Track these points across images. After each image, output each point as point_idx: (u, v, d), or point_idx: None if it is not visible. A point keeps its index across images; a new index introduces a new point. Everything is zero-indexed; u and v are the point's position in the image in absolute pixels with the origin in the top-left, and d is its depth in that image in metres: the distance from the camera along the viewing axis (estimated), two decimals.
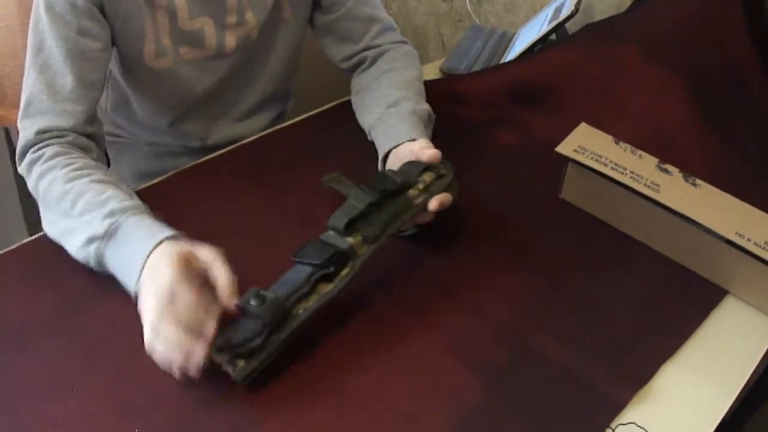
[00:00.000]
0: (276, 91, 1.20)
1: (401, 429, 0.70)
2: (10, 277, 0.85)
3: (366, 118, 1.07)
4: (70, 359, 0.75)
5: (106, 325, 0.78)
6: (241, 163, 1.05)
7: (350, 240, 0.79)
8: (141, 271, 0.75)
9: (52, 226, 0.86)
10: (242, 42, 1.06)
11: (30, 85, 0.90)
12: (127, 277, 0.77)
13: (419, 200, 0.85)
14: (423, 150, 0.90)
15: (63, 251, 0.84)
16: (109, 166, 1.21)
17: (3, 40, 1.15)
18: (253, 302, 0.72)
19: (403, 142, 0.96)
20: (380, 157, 0.99)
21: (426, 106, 1.06)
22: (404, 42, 1.18)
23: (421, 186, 0.86)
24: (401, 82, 1.08)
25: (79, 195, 0.83)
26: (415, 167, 0.87)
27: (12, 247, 0.89)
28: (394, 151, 0.96)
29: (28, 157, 0.89)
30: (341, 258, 0.78)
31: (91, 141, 0.94)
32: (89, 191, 0.83)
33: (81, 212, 0.82)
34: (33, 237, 0.91)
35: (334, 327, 0.80)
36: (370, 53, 1.14)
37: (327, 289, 0.76)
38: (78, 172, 0.86)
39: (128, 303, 0.80)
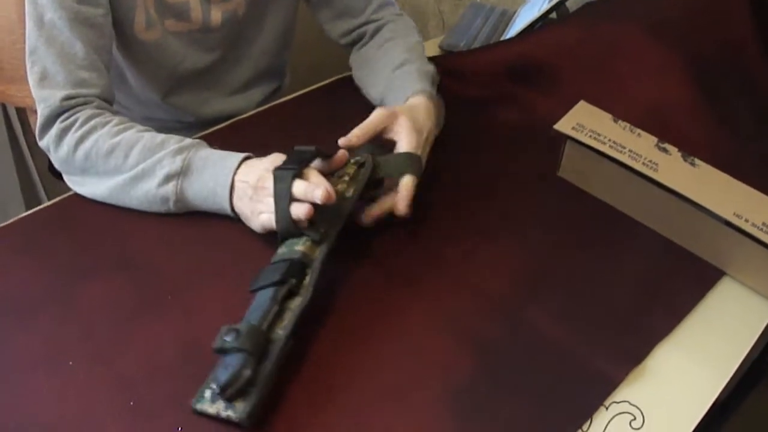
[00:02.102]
0: (269, 66, 1.19)
1: (393, 404, 0.70)
2: (6, 251, 0.84)
3: (374, 88, 1.06)
4: (65, 333, 0.75)
5: (102, 300, 0.78)
6: (236, 139, 1.05)
7: (300, 248, 0.77)
8: (231, 186, 0.83)
9: (99, 187, 0.88)
10: (229, 17, 1.05)
11: (40, 58, 0.88)
12: (216, 196, 0.84)
13: (350, 192, 0.84)
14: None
15: (58, 226, 0.84)
16: None
17: None
18: (227, 338, 0.67)
19: (415, 93, 0.96)
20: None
21: (431, 67, 1.06)
22: (401, 15, 1.17)
23: (346, 178, 0.85)
24: (404, 47, 1.07)
25: (131, 145, 0.86)
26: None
27: (9, 221, 0.89)
28: (410, 102, 0.96)
29: (57, 127, 0.88)
30: (298, 267, 0.76)
31: (112, 107, 0.94)
32: (141, 140, 0.86)
33: (138, 160, 0.85)
34: (30, 211, 0.91)
35: (326, 302, 0.80)
36: (370, 27, 1.13)
37: (297, 302, 0.74)
38: (121, 126, 0.88)
39: (124, 278, 0.81)
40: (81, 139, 0.86)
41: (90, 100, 0.90)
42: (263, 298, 0.73)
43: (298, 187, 0.78)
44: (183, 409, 0.68)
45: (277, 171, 0.80)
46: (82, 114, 0.88)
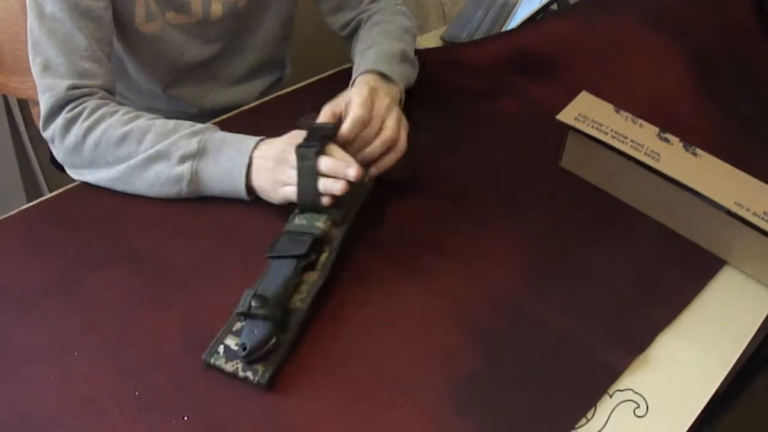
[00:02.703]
0: (270, 58, 1.19)
1: (398, 394, 0.70)
2: (9, 243, 0.85)
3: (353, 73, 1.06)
4: (69, 324, 0.75)
5: (106, 291, 0.78)
6: (238, 130, 1.05)
7: (320, 225, 0.80)
8: (248, 166, 0.83)
9: (110, 171, 0.88)
10: (229, 10, 1.06)
11: (43, 50, 0.88)
12: (232, 178, 0.84)
13: (367, 178, 0.86)
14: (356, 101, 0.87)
15: (61, 217, 0.84)
16: None
17: (0, 7, 1.14)
18: (254, 303, 0.71)
19: (366, 71, 0.96)
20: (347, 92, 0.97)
21: (398, 46, 1.03)
22: (398, 4, 1.16)
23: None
24: (380, 30, 1.07)
25: (145, 131, 0.87)
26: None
27: (11, 213, 0.89)
28: (357, 80, 0.96)
29: (63, 117, 0.88)
30: (318, 244, 0.79)
31: (115, 98, 0.94)
32: (153, 126, 0.87)
33: (153, 144, 0.86)
34: (32, 203, 0.91)
35: (331, 291, 0.80)
36: (364, 15, 1.14)
37: (313, 277, 0.77)
38: (130, 115, 0.89)
39: (127, 269, 0.81)
40: (90, 129, 0.87)
41: (94, 91, 0.90)
42: (283, 268, 0.76)
43: (326, 163, 0.79)
44: (189, 398, 0.68)
45: (300, 149, 0.81)
46: (90, 104, 0.88)
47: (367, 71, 0.95)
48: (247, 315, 0.71)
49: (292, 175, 0.81)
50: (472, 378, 0.72)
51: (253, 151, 0.85)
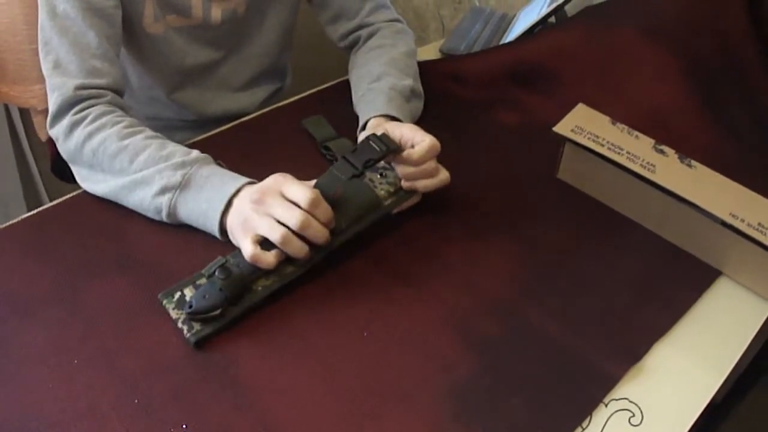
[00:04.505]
0: (271, 66, 1.21)
1: (395, 401, 0.71)
2: (10, 251, 0.85)
3: (354, 96, 1.08)
4: (70, 331, 0.75)
5: (105, 299, 0.79)
6: (240, 140, 1.06)
7: None
8: (225, 210, 0.81)
9: (100, 185, 0.89)
10: (229, 16, 1.07)
11: (54, 48, 0.90)
12: (206, 219, 0.83)
13: (388, 201, 0.88)
14: (416, 139, 0.89)
15: (61, 225, 0.85)
16: None
17: (3, 16, 1.15)
18: (218, 274, 0.76)
19: (377, 115, 0.97)
20: (358, 130, 1.00)
21: (408, 82, 1.05)
22: (398, 20, 1.18)
23: (391, 189, 0.89)
24: (387, 59, 1.08)
25: (138, 151, 0.86)
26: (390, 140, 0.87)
27: (12, 222, 0.90)
28: (369, 124, 0.97)
29: (69, 118, 0.89)
30: (306, 244, 0.79)
31: (123, 99, 0.95)
32: (149, 147, 0.86)
33: (143, 167, 0.85)
34: (33, 212, 0.91)
35: (327, 299, 0.80)
36: (363, 32, 1.15)
37: (288, 270, 0.80)
38: (130, 129, 0.89)
39: (126, 277, 0.81)
40: (89, 136, 0.87)
41: (103, 93, 0.91)
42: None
43: (250, 253, 0.77)
44: (187, 406, 0.69)
45: (342, 162, 0.83)
46: (95, 109, 0.89)
47: (377, 117, 0.97)
48: (208, 278, 0.77)
49: (258, 225, 0.78)
50: (469, 386, 0.72)
51: (233, 197, 0.82)
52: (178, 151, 0.87)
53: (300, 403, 0.70)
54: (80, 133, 0.88)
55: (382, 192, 0.88)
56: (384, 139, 0.86)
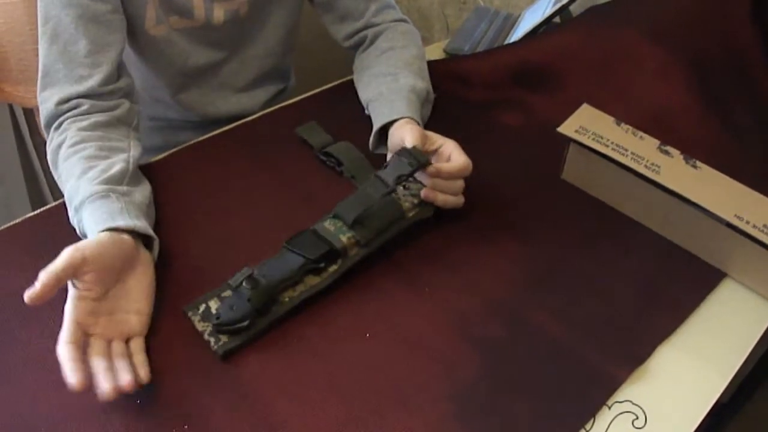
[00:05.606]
0: (274, 68, 1.20)
1: (397, 401, 0.70)
2: (13, 251, 0.85)
3: (365, 94, 1.07)
4: None
5: None
6: (243, 140, 1.06)
7: (343, 239, 0.81)
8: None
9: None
10: (231, 16, 1.06)
11: (43, 56, 0.90)
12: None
13: (411, 213, 0.88)
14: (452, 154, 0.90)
15: (65, 225, 0.85)
16: None
17: (7, 17, 1.15)
18: (245, 285, 0.75)
19: (399, 118, 0.96)
20: (374, 130, 1.00)
21: (424, 85, 1.06)
22: (404, 20, 1.17)
23: (416, 201, 0.89)
24: (401, 61, 1.08)
25: (66, 179, 0.85)
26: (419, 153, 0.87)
27: (16, 221, 0.90)
28: (392, 129, 0.96)
29: (51, 133, 0.90)
30: (334, 255, 0.81)
31: (114, 98, 0.94)
32: (71, 178, 0.84)
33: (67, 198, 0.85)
34: (36, 212, 0.91)
35: (331, 299, 0.80)
36: (369, 32, 1.14)
37: (314, 281, 0.80)
38: (71, 149, 0.87)
39: None
40: (53, 163, 0.89)
41: (80, 103, 0.89)
42: (290, 263, 0.79)
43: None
44: (189, 407, 0.69)
45: (381, 173, 0.85)
46: (68, 134, 0.88)
47: (403, 117, 0.97)
48: (235, 290, 0.75)
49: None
50: (472, 387, 0.72)
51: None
52: (86, 182, 0.82)
53: (302, 404, 0.70)
54: (52, 154, 0.89)
55: (407, 204, 0.88)
56: (414, 152, 0.85)
